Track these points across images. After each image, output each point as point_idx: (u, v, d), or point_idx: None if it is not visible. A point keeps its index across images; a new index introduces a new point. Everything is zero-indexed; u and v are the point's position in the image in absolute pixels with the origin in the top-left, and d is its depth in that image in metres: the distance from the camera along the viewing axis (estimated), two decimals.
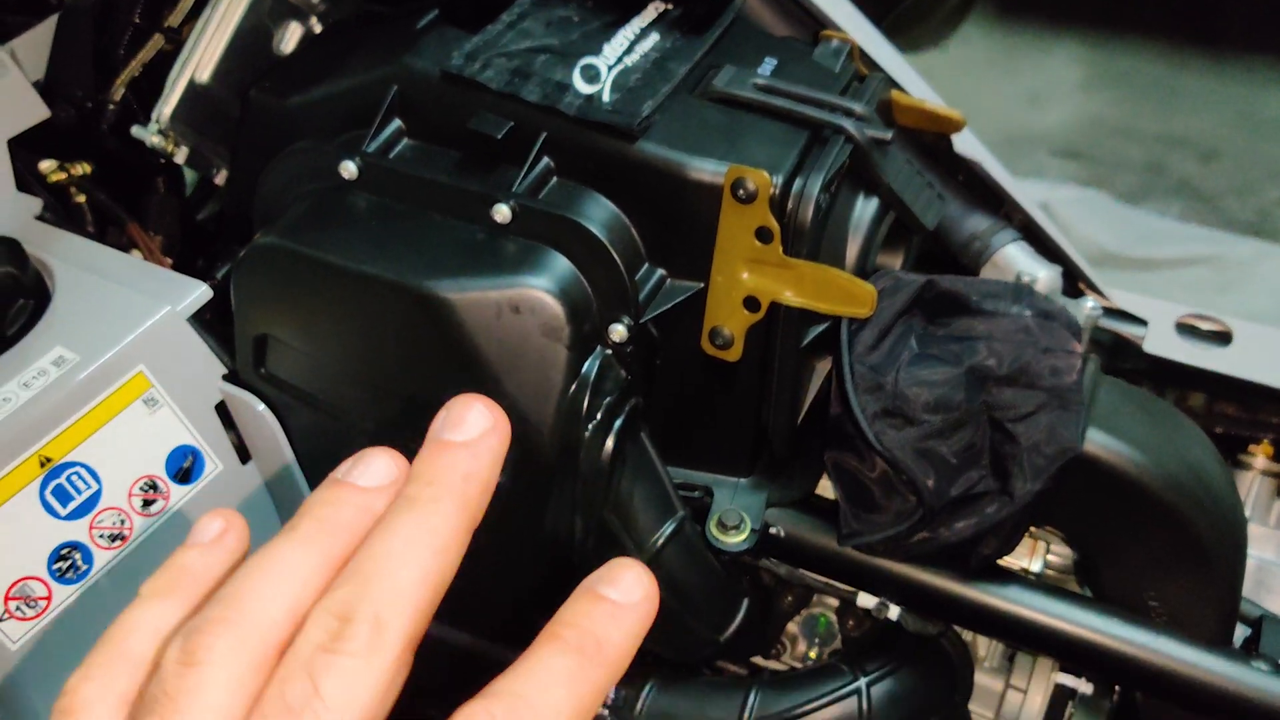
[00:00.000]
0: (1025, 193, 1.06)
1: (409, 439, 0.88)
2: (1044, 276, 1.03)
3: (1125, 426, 0.85)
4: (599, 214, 0.86)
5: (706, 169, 0.83)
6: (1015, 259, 1.04)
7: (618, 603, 0.40)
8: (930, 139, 1.06)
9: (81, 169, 1.06)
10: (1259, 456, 1.12)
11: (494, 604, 0.96)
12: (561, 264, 0.83)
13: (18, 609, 0.84)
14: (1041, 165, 3.64)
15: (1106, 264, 2.74)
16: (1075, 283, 1.11)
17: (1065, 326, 0.85)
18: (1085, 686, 0.95)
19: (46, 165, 1.06)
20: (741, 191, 0.80)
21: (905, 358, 0.83)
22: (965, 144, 1.03)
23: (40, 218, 1.02)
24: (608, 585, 0.41)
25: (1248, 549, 1.05)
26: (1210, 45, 4.09)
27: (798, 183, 0.82)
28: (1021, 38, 4.20)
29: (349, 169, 0.88)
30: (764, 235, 0.82)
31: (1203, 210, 3.52)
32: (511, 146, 0.86)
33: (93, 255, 0.97)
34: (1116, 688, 0.97)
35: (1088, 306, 1.04)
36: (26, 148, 1.04)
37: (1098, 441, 0.84)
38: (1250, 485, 1.11)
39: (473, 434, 0.42)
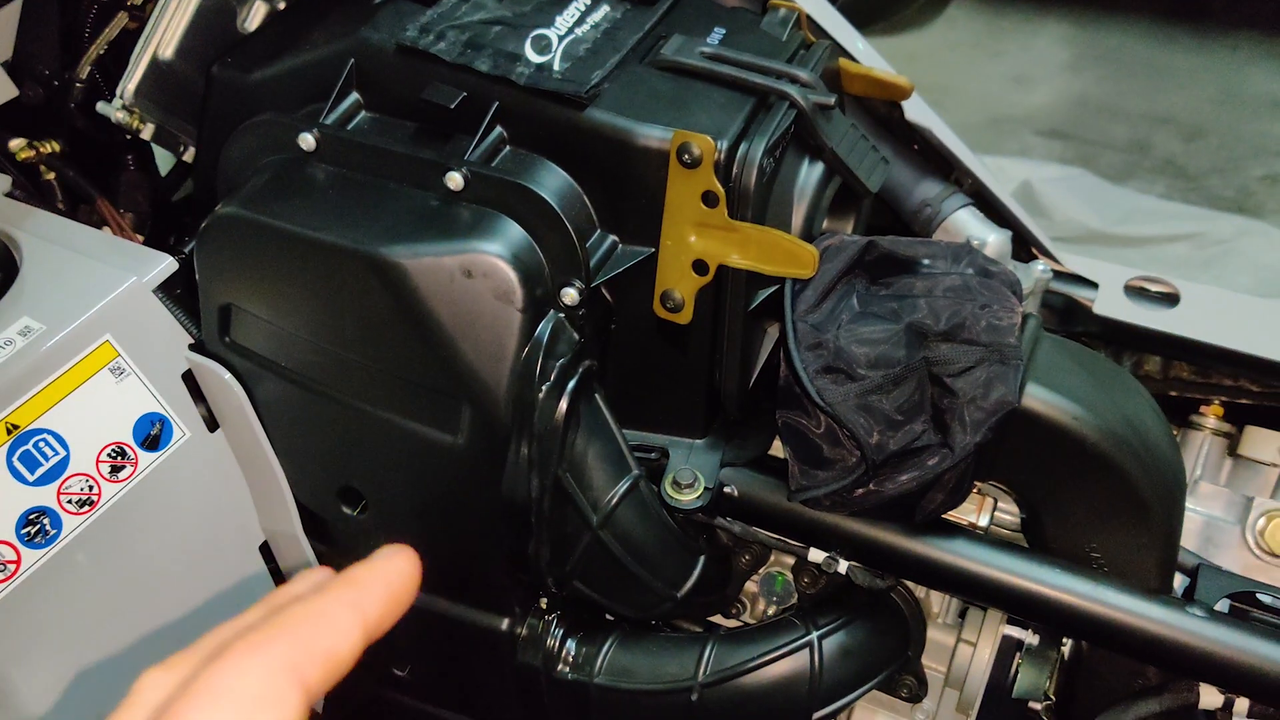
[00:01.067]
0: (976, 159, 1.08)
1: (368, 405, 0.91)
2: (993, 240, 1.05)
3: (1064, 381, 0.87)
4: (550, 181, 0.88)
5: (654, 135, 0.85)
6: (966, 224, 1.06)
7: (369, 562, 0.47)
8: (883, 108, 1.08)
9: (50, 147, 1.08)
10: (1209, 417, 1.14)
11: (456, 564, 0.98)
12: (514, 230, 0.85)
13: None
14: (1027, 145, 3.66)
15: (1090, 241, 2.75)
16: (1027, 248, 1.13)
17: (1005, 284, 0.87)
18: (1031, 638, 0.97)
19: (16, 143, 1.08)
20: (687, 156, 0.83)
21: (846, 316, 0.85)
22: (916, 111, 1.05)
23: (10, 195, 1.04)
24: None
25: (1198, 507, 1.08)
26: (1196, 23, 4.11)
27: (742, 148, 0.85)
28: (1008, 18, 4.22)
29: (308, 141, 0.90)
30: (710, 199, 0.84)
31: (1186, 188, 3.54)
32: (464, 116, 0.88)
33: (60, 230, 0.99)
34: (1064, 639, 1.00)
35: (1038, 270, 1.07)
36: None
37: (1037, 395, 0.86)
38: (1201, 445, 1.13)
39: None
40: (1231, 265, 2.78)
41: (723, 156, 0.84)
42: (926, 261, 0.88)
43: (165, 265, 0.95)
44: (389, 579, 0.46)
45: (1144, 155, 3.63)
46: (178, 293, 0.97)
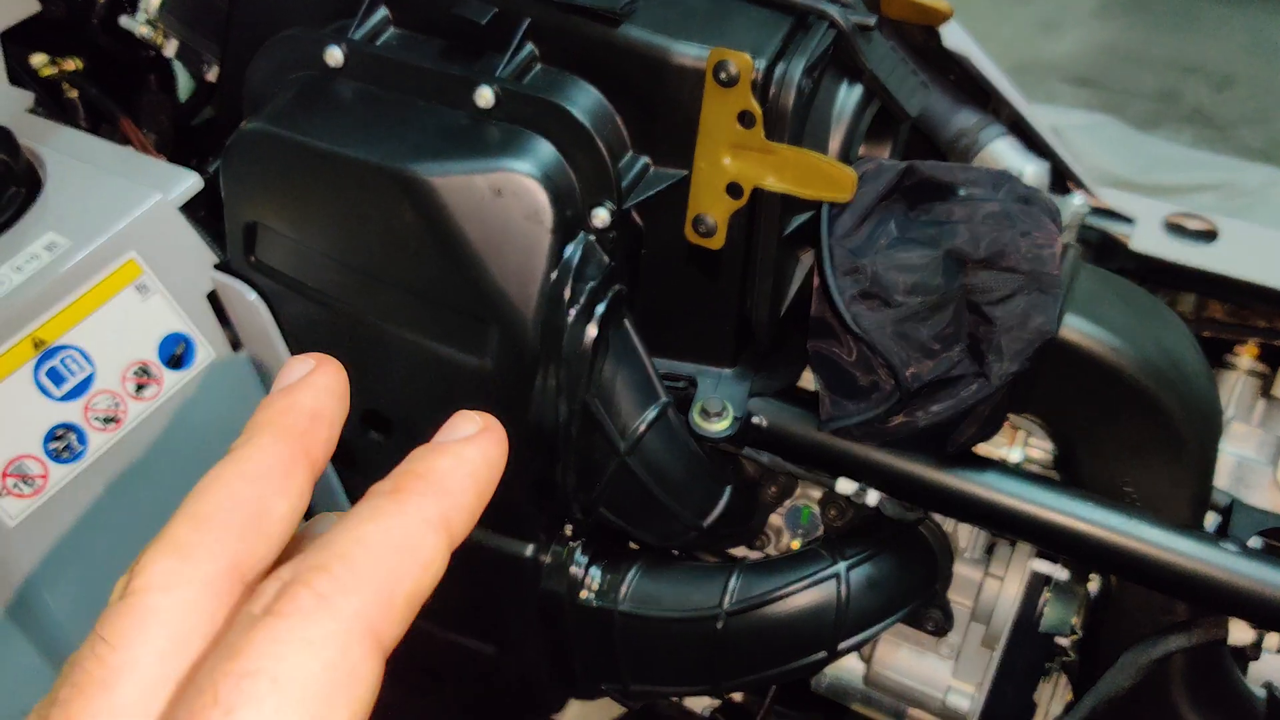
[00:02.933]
0: (1014, 89, 1.05)
1: (395, 327, 0.90)
2: (1031, 171, 1.03)
3: (1103, 312, 0.86)
4: (583, 99, 0.86)
5: (689, 53, 0.83)
6: (1003, 154, 1.04)
7: (442, 443, 0.34)
8: (919, 34, 1.05)
9: (73, 64, 1.07)
10: (1244, 357, 1.12)
11: None
12: (545, 148, 0.84)
13: (15, 486, 0.86)
14: (1054, 92, 3.61)
15: (1116, 190, 2.72)
16: (1064, 180, 1.11)
17: (1045, 212, 0.85)
18: (1060, 573, 0.97)
19: (38, 60, 1.06)
20: (724, 75, 0.81)
21: (884, 241, 0.84)
22: (954, 38, 1.02)
23: (32, 111, 1.03)
24: (438, 436, 0.34)
25: (1230, 447, 1.06)
26: None
27: (780, 67, 0.82)
28: None
29: (335, 56, 0.88)
30: (746, 119, 0.82)
31: (1214, 137, 3.49)
32: (495, 32, 0.86)
33: (84, 146, 0.98)
34: (1091, 575, 0.99)
35: (1075, 203, 1.05)
36: (17, 42, 1.04)
37: (1075, 326, 0.84)
38: (1235, 385, 1.12)
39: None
40: (1259, 215, 2.74)
41: (760, 76, 0.82)
42: (966, 188, 0.86)
43: (191, 183, 0.94)
44: (479, 473, 0.33)
45: (1172, 104, 3.58)
46: (201, 214, 0.97)
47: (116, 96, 1.11)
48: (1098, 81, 3.70)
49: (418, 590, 0.30)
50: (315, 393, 0.33)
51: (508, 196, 0.82)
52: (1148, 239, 1.07)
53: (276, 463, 0.32)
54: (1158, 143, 3.11)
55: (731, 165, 0.85)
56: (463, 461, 0.33)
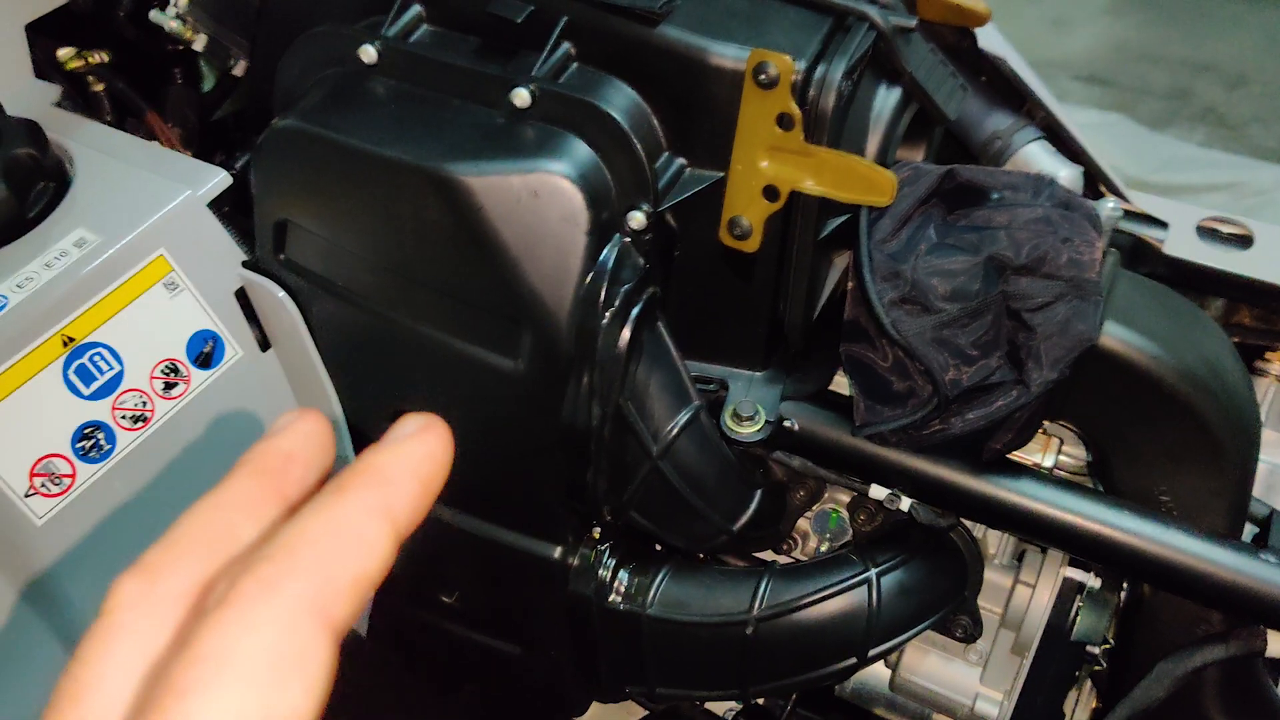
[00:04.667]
0: (1049, 92, 1.05)
1: (426, 327, 0.89)
2: (1065, 176, 1.02)
3: (1142, 319, 0.85)
4: (619, 100, 0.85)
5: (728, 54, 0.82)
6: (1036, 158, 1.03)
7: (385, 441, 0.35)
8: (953, 36, 1.04)
9: (100, 57, 1.06)
10: (1275, 363, 1.12)
11: (512, 492, 0.97)
12: (581, 150, 0.83)
13: (43, 485, 0.85)
14: (1065, 91, 3.59)
15: (1127, 189, 2.71)
16: (1096, 185, 1.10)
17: (1085, 218, 0.84)
18: (1094, 581, 0.96)
19: (64, 52, 1.05)
20: (764, 76, 0.80)
21: (924, 246, 0.83)
22: (989, 40, 1.01)
23: (59, 105, 1.02)
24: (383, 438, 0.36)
25: (1262, 454, 1.05)
26: None
27: (820, 69, 0.82)
28: None
29: (369, 53, 0.87)
30: (785, 122, 0.81)
31: (1226, 136, 3.47)
32: (532, 31, 0.85)
33: (112, 141, 0.97)
34: (1124, 583, 0.98)
35: (1108, 207, 1.03)
36: (44, 34, 1.03)
37: (1114, 334, 0.84)
38: (1266, 391, 1.11)
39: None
40: (1271, 215, 2.73)
41: (800, 78, 0.81)
42: (1006, 192, 0.85)
43: (220, 179, 0.93)
44: (420, 465, 0.34)
45: (1184, 102, 3.56)
46: (226, 210, 0.96)
47: (142, 90, 1.10)
48: (1109, 80, 3.69)
49: (363, 573, 0.31)
50: (293, 437, 0.35)
51: (544, 198, 0.81)
52: (1181, 244, 1.06)
53: (248, 495, 0.33)
54: (1169, 142, 3.10)
55: (769, 168, 0.84)
56: (403, 455, 0.34)
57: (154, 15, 1.01)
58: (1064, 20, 3.94)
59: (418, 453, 0.34)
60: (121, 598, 0.31)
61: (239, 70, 1.07)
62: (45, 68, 1.04)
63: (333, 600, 0.30)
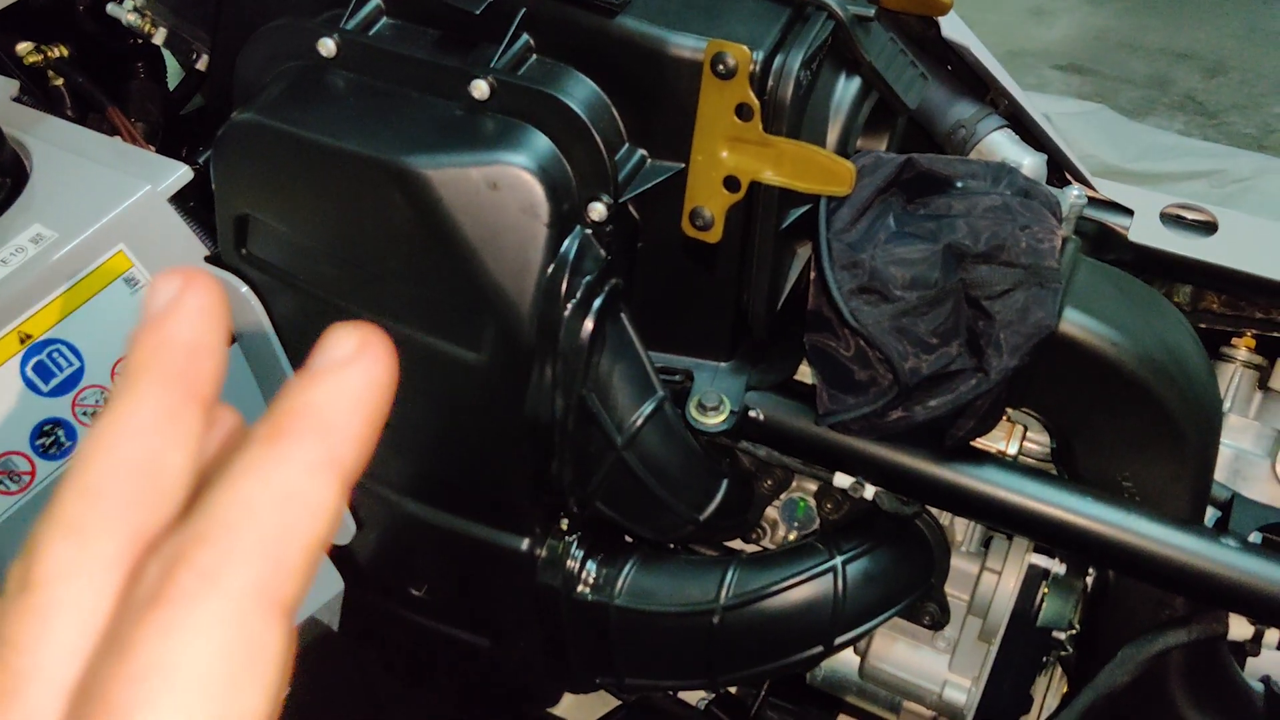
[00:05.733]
0: (1012, 81, 1.05)
1: (389, 320, 0.89)
2: (1029, 164, 1.02)
3: (1102, 306, 0.85)
4: (579, 91, 0.85)
5: (686, 45, 0.82)
6: (1000, 146, 1.03)
7: (319, 369, 0.29)
8: (917, 25, 1.04)
9: (59, 51, 1.05)
10: (1241, 349, 1.12)
11: (477, 484, 0.97)
12: (541, 141, 0.83)
13: (1, 482, 0.85)
14: (1044, 79, 3.60)
15: (1107, 178, 2.72)
16: (1061, 173, 1.10)
17: (1045, 205, 0.84)
18: (1058, 567, 0.96)
19: (23, 47, 1.05)
20: (721, 67, 0.80)
21: (883, 235, 0.83)
22: (953, 29, 1.01)
23: (17, 100, 1.01)
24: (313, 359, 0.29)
25: (1227, 440, 1.06)
26: None
27: (778, 59, 0.82)
28: None
29: (328, 46, 0.87)
30: (744, 112, 0.81)
31: (1206, 125, 3.48)
32: (490, 23, 0.85)
33: (71, 136, 0.97)
34: (1090, 570, 0.99)
35: (1073, 195, 1.04)
36: (2, 29, 1.02)
37: (1074, 320, 0.84)
38: (1232, 377, 1.11)
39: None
40: (1251, 203, 2.75)
41: (758, 68, 0.81)
42: (965, 181, 0.85)
43: (180, 174, 0.93)
44: (363, 399, 0.28)
45: (1164, 91, 3.57)
46: (190, 205, 0.95)
47: (104, 85, 1.09)
48: (1088, 68, 3.70)
49: (313, 541, 0.27)
50: (189, 320, 0.29)
51: (503, 190, 0.81)
52: (1146, 230, 1.06)
53: (161, 411, 0.28)
54: (1149, 130, 3.11)
55: (729, 158, 0.84)
56: (344, 390, 0.28)
57: (111, 9, 1.00)
58: (1044, 9, 3.94)
59: (359, 383, 0.28)
60: (51, 567, 0.26)
61: (202, 64, 1.07)
62: (3, 62, 1.04)
63: (283, 581, 0.26)
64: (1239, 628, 0.88)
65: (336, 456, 0.27)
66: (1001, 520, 0.89)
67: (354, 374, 0.28)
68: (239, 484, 0.26)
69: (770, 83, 0.82)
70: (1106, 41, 3.81)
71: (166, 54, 1.18)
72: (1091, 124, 2.98)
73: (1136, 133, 3.05)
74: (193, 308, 0.29)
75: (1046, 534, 0.88)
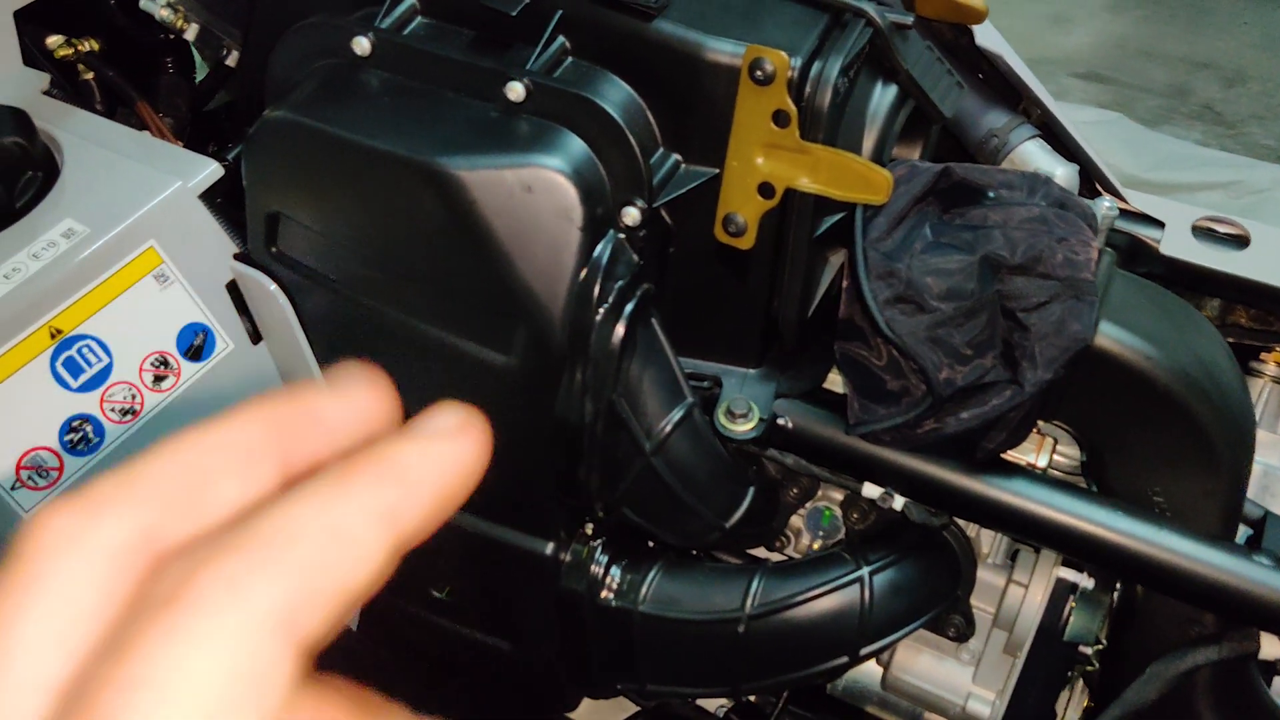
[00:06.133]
0: (1045, 90, 1.04)
1: (418, 321, 0.89)
2: (1061, 174, 1.01)
3: (1138, 320, 0.85)
4: (615, 94, 0.84)
5: (724, 50, 0.82)
6: (1033, 156, 1.02)
7: (415, 431, 0.28)
8: (951, 32, 1.04)
9: (89, 45, 1.05)
10: (1270, 364, 1.11)
11: (503, 487, 0.96)
12: (576, 145, 0.82)
13: (30, 478, 0.84)
14: (1063, 88, 3.59)
15: (1124, 188, 2.71)
16: (1092, 183, 1.09)
17: (1081, 217, 0.84)
18: (1087, 581, 0.96)
19: (54, 40, 1.04)
20: (759, 73, 0.79)
21: (919, 245, 0.82)
22: (987, 37, 1.01)
23: (48, 93, 1.01)
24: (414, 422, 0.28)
25: (1257, 454, 1.05)
26: None
27: (816, 65, 0.81)
28: None
29: (362, 45, 0.87)
30: (781, 119, 0.81)
31: (1224, 135, 3.47)
32: (527, 24, 0.84)
33: (102, 130, 0.97)
34: (1117, 584, 0.98)
35: (1104, 206, 1.03)
36: (33, 21, 1.02)
37: (1109, 334, 0.83)
38: (1261, 392, 1.11)
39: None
40: (1269, 214, 2.73)
41: (796, 74, 0.80)
42: (1002, 191, 0.85)
43: (211, 170, 0.93)
44: (445, 472, 0.27)
45: (1182, 100, 3.56)
46: (218, 201, 0.95)
47: (133, 79, 1.09)
48: (1107, 77, 3.69)
49: (348, 585, 0.24)
50: (347, 407, 0.28)
51: (538, 193, 0.80)
52: (1178, 243, 1.05)
53: (246, 445, 0.26)
54: (1166, 140, 3.09)
55: (764, 165, 0.83)
56: (431, 456, 0.27)
57: (144, 4, 1.00)
58: (1063, 17, 3.93)
59: (447, 456, 0.27)
60: (47, 539, 0.24)
61: (232, 60, 1.07)
62: (34, 55, 1.03)
63: (307, 614, 0.23)
64: (1271, 646, 0.87)
65: (400, 516, 0.26)
66: (1032, 534, 0.89)
67: (448, 447, 0.27)
68: (293, 506, 0.24)
69: (808, 89, 0.81)
70: (1125, 49, 3.80)
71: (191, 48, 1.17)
72: (1109, 133, 2.97)
73: (1154, 142, 3.04)
74: (360, 403, 0.28)
75: (1078, 549, 0.87)
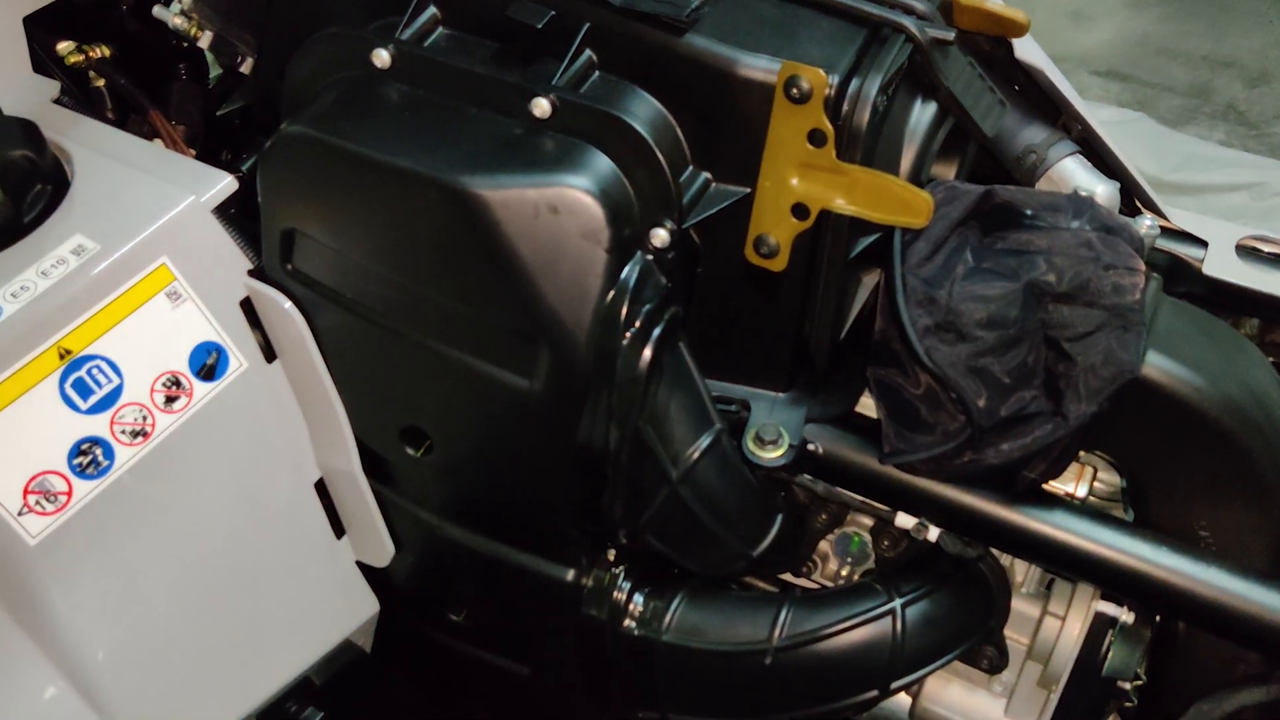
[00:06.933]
0: (1085, 105, 1.00)
1: (438, 343, 0.86)
2: (1101, 192, 0.98)
3: (1185, 349, 0.82)
4: (643, 111, 0.82)
5: (758, 66, 0.79)
6: (1073, 173, 0.99)
7: None
8: (987, 43, 1.00)
9: (101, 51, 1.02)
10: None
11: (524, 512, 0.94)
12: (603, 163, 0.79)
13: (37, 503, 0.82)
14: (1083, 85, 3.54)
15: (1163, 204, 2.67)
16: (1132, 201, 1.06)
17: (1128, 242, 0.81)
18: (1126, 615, 0.93)
19: (64, 46, 1.02)
20: (795, 91, 0.76)
21: (960, 271, 0.79)
22: (1026, 50, 0.97)
23: (58, 101, 0.98)
24: None
25: None
26: None
27: (854, 83, 0.78)
28: None
29: (382, 57, 0.84)
30: (817, 138, 0.78)
31: (1247, 135, 3.42)
32: (552, 37, 0.82)
33: (113, 141, 0.94)
34: (1156, 618, 0.95)
35: (1145, 225, 1.00)
36: (43, 27, 1.00)
37: (1156, 364, 0.80)
38: None
39: None
40: None
41: (833, 92, 0.77)
42: (1045, 214, 0.82)
43: (225, 184, 0.90)
44: None
45: (1205, 100, 3.51)
46: (232, 213, 0.92)
47: (146, 87, 1.06)
48: (1128, 75, 3.64)
49: None
50: None
51: (563, 213, 0.78)
52: (1221, 263, 1.02)
53: None
54: (1188, 140, 3.05)
55: (799, 185, 0.80)
56: None
57: (158, 11, 0.97)
58: (1083, 14, 3.88)
59: None
60: None
61: (246, 68, 1.04)
62: (44, 62, 1.01)
63: None
64: None
65: None
66: (1072, 567, 0.86)
67: None
68: None
69: (845, 108, 0.78)
70: (1146, 47, 3.75)
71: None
72: (1130, 133, 2.93)
73: (1176, 142, 3.00)
74: None
75: (1122, 584, 0.84)
